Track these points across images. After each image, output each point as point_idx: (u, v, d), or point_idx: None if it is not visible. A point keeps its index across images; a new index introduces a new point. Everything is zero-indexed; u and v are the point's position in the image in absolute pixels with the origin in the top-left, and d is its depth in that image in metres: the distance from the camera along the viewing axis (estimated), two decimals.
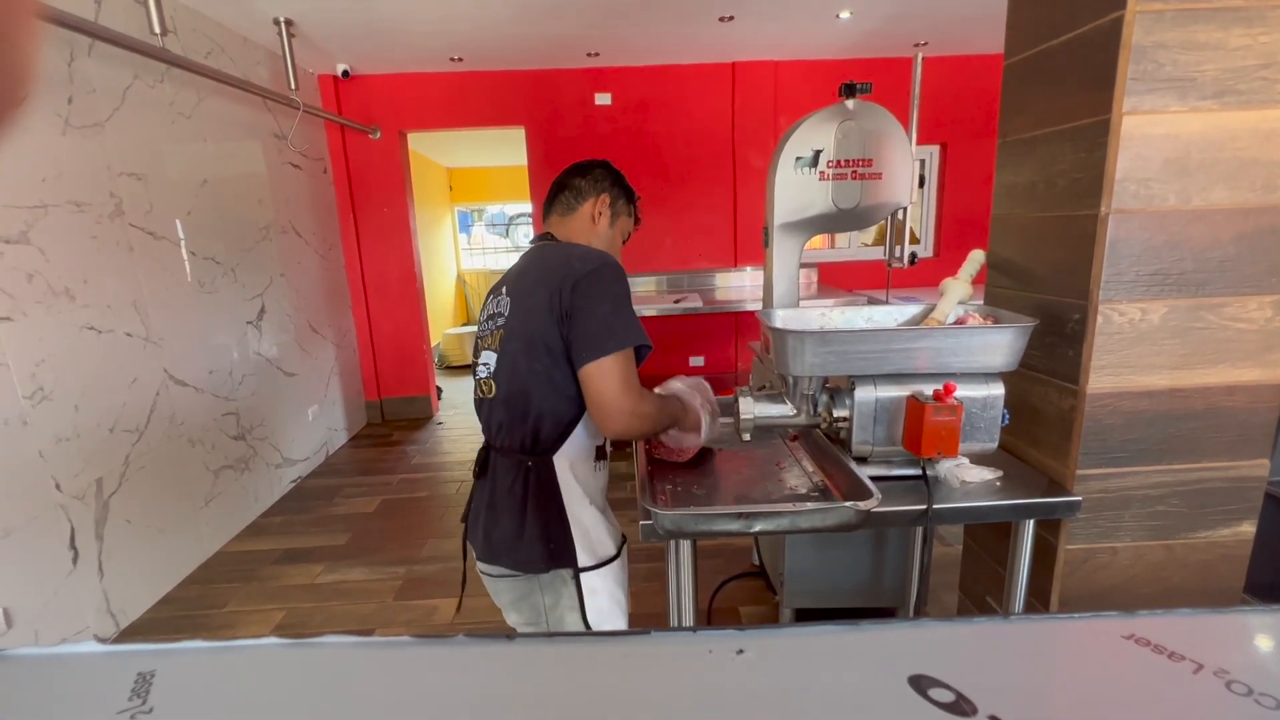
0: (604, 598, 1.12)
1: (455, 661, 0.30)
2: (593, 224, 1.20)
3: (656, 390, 1.20)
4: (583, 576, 1.10)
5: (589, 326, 1.00)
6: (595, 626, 1.11)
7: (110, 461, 2.10)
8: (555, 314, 1.02)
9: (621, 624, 1.15)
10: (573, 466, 1.10)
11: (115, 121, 2.19)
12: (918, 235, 4.42)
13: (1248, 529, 1.17)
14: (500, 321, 1.11)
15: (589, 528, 1.11)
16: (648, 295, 4.18)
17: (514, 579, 1.15)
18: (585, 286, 1.01)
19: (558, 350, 1.04)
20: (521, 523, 1.08)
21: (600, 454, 1.17)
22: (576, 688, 0.28)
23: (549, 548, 1.08)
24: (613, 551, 1.15)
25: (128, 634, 2.12)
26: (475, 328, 6.76)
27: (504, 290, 1.13)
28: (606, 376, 1.00)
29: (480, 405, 1.17)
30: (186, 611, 2.25)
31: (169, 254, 2.45)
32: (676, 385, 1.24)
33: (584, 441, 1.12)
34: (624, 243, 1.28)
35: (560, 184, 1.22)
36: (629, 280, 1.09)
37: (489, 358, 1.12)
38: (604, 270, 1.04)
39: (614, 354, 0.99)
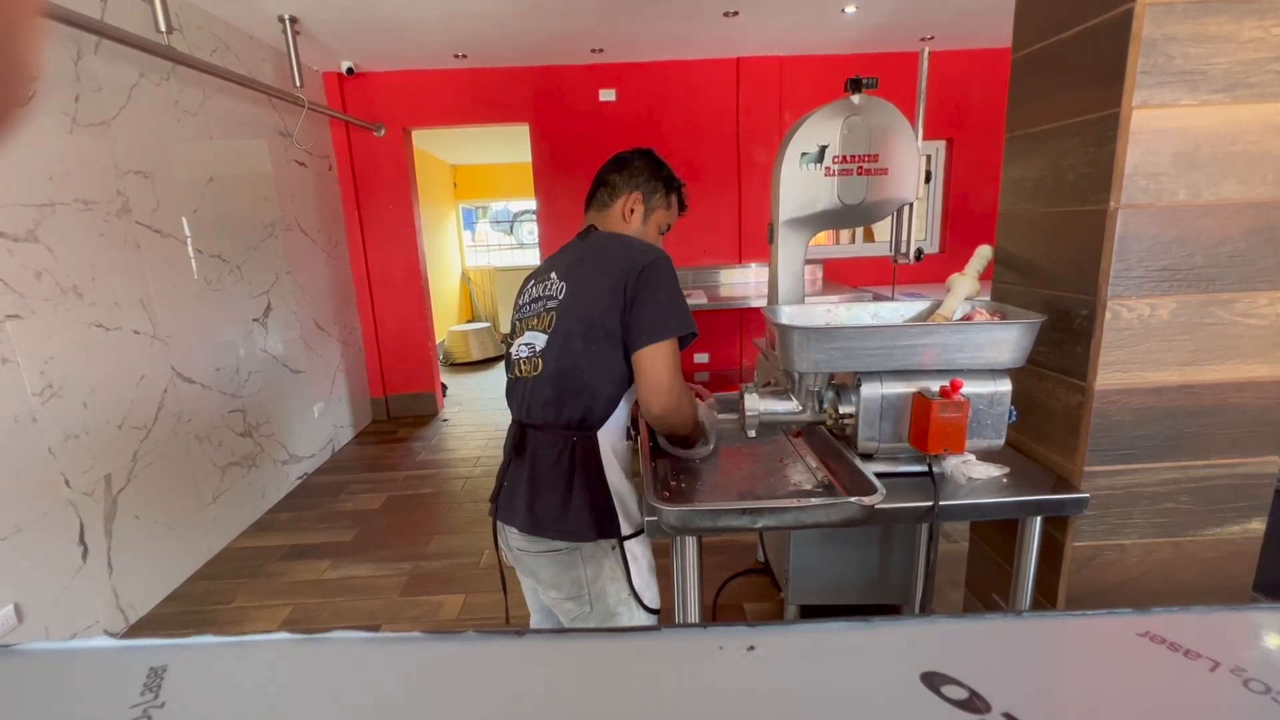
0: (644, 564, 1.20)
1: (464, 657, 0.30)
2: (624, 221, 1.25)
3: None
4: (625, 544, 1.16)
5: (649, 311, 1.08)
6: (640, 590, 1.18)
7: (119, 458, 2.11)
8: (619, 300, 1.09)
9: (657, 590, 1.23)
10: (612, 442, 1.17)
11: (122, 119, 2.20)
12: (922, 231, 4.40)
13: (1257, 526, 1.17)
14: (552, 304, 1.15)
15: (626, 498, 1.17)
16: None
17: (555, 554, 1.16)
18: (649, 275, 1.09)
19: (615, 334, 1.10)
20: (568, 495, 1.13)
21: (628, 433, 1.24)
22: (586, 683, 0.28)
23: (595, 518, 1.13)
24: (643, 520, 1.18)
25: (137, 629, 2.14)
26: (479, 325, 6.67)
27: (553, 275, 1.18)
28: (661, 358, 1.08)
29: (517, 385, 1.20)
30: (194, 607, 2.27)
31: (176, 252, 2.46)
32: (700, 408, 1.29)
33: (622, 419, 1.18)
34: (664, 233, 1.32)
35: (599, 179, 1.28)
36: None
37: (535, 338, 1.16)
38: (662, 262, 1.13)
39: (670, 339, 1.08)
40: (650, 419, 1.13)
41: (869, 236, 4.55)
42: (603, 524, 1.13)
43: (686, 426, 1.18)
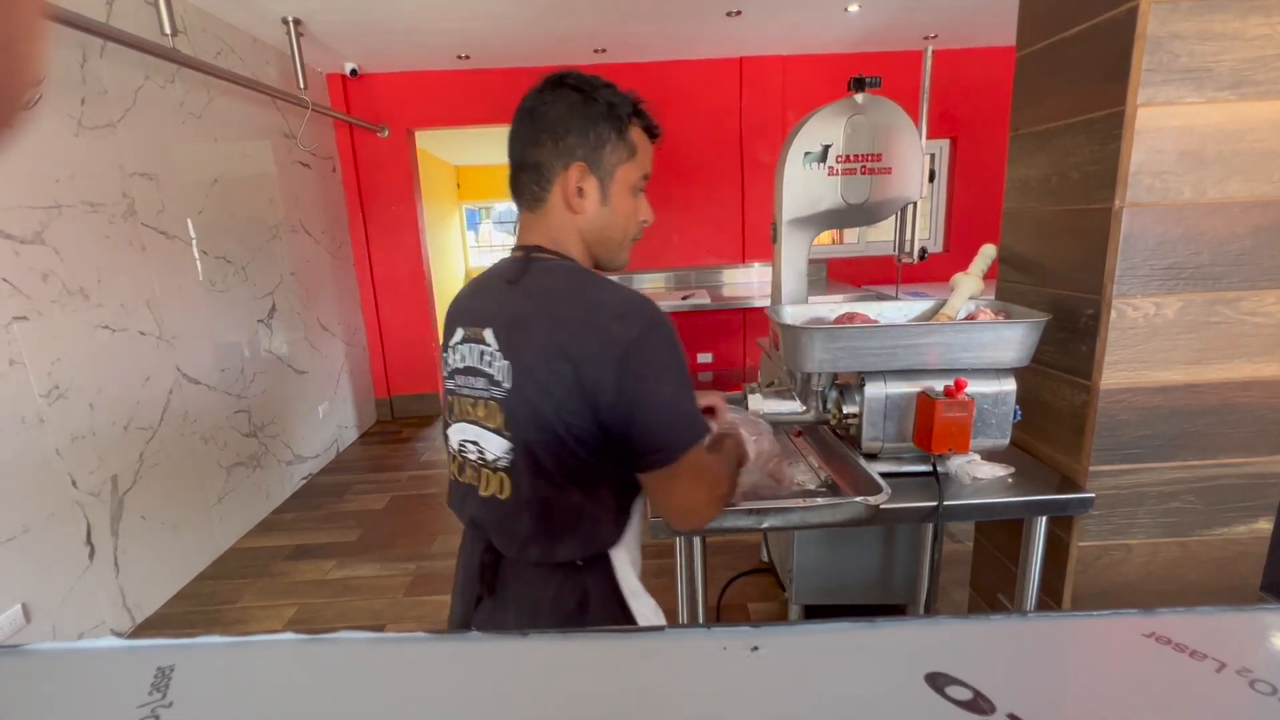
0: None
1: (470, 657, 0.30)
2: (573, 212, 0.80)
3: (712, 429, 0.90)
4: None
5: (650, 422, 0.72)
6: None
7: (125, 459, 2.12)
8: (589, 398, 0.71)
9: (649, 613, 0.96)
10: (628, 549, 0.85)
11: (127, 122, 2.21)
12: (926, 230, 4.39)
13: (1264, 525, 1.16)
14: (496, 393, 0.77)
15: (648, 616, 0.86)
16: (655, 292, 4.17)
17: None
18: (637, 365, 0.70)
19: (595, 441, 0.74)
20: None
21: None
22: (591, 684, 0.28)
23: None
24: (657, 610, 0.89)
25: (143, 629, 2.15)
26: None
27: (488, 337, 0.77)
28: (681, 479, 0.75)
29: (469, 495, 0.83)
30: (200, 607, 2.28)
31: (181, 253, 2.47)
32: (729, 420, 1.00)
33: (638, 515, 0.87)
34: (641, 190, 0.85)
35: (516, 162, 0.81)
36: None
37: (484, 439, 0.79)
38: (653, 334, 0.72)
39: (690, 452, 0.74)
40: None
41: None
42: None
43: (728, 495, 0.85)
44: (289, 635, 0.31)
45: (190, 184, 2.55)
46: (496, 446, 0.78)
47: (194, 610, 2.26)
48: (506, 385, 0.75)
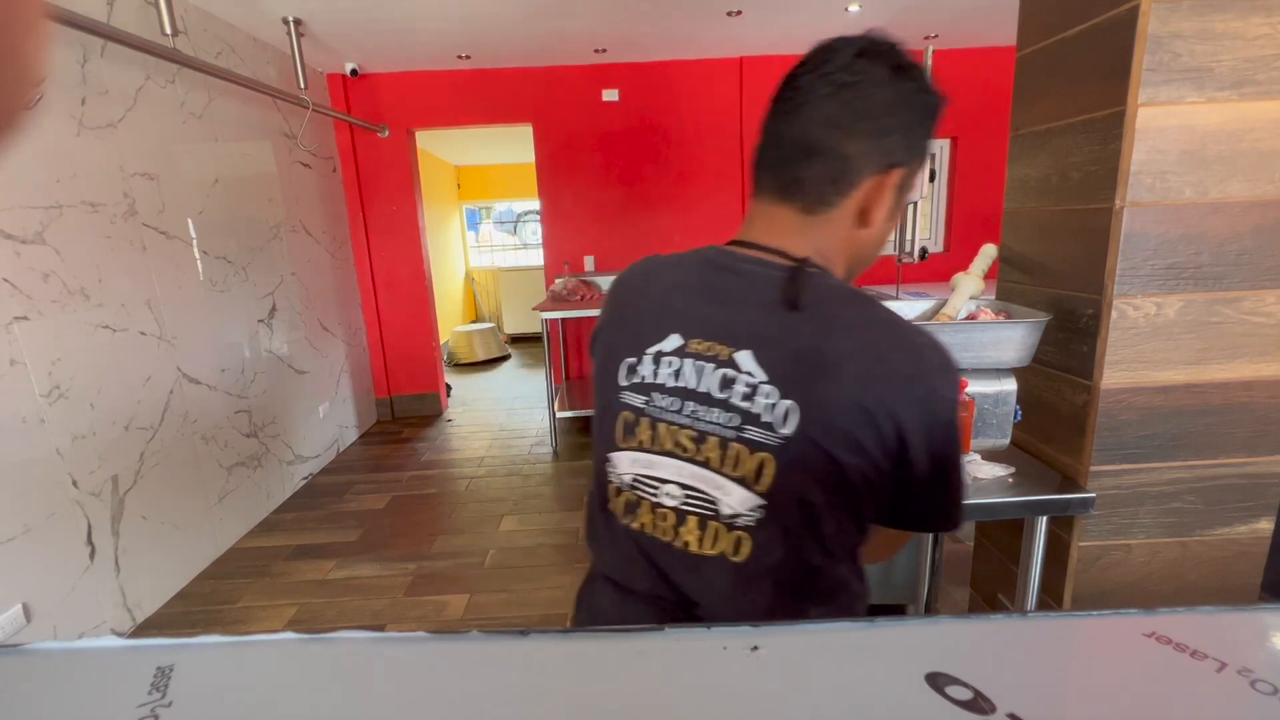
0: None
1: (469, 657, 0.30)
2: (856, 227, 0.64)
3: None
4: None
5: (950, 488, 0.63)
6: None
7: (126, 459, 2.12)
8: (900, 460, 0.59)
9: None
10: None
11: (128, 122, 2.21)
12: (926, 230, 4.39)
13: (1265, 526, 1.16)
14: (756, 435, 0.59)
15: None
16: None
17: None
18: (950, 431, 0.60)
19: (884, 503, 0.63)
20: None
21: None
22: (591, 683, 0.28)
23: None
24: None
25: (144, 629, 2.15)
26: (483, 325, 6.63)
27: (745, 363, 0.60)
28: (910, 536, 0.70)
29: (651, 550, 0.66)
30: (201, 607, 2.28)
31: (181, 253, 2.48)
32: None
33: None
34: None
35: (806, 143, 0.61)
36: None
37: (717, 486, 0.61)
38: (954, 381, 0.62)
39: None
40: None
41: None
42: None
43: None
44: (289, 635, 0.31)
45: (191, 184, 2.55)
46: (739, 500, 0.60)
47: (194, 610, 2.26)
48: (785, 431, 0.58)
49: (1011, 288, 1.33)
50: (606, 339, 0.71)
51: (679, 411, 0.63)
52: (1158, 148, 0.99)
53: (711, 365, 0.61)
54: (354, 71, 3.76)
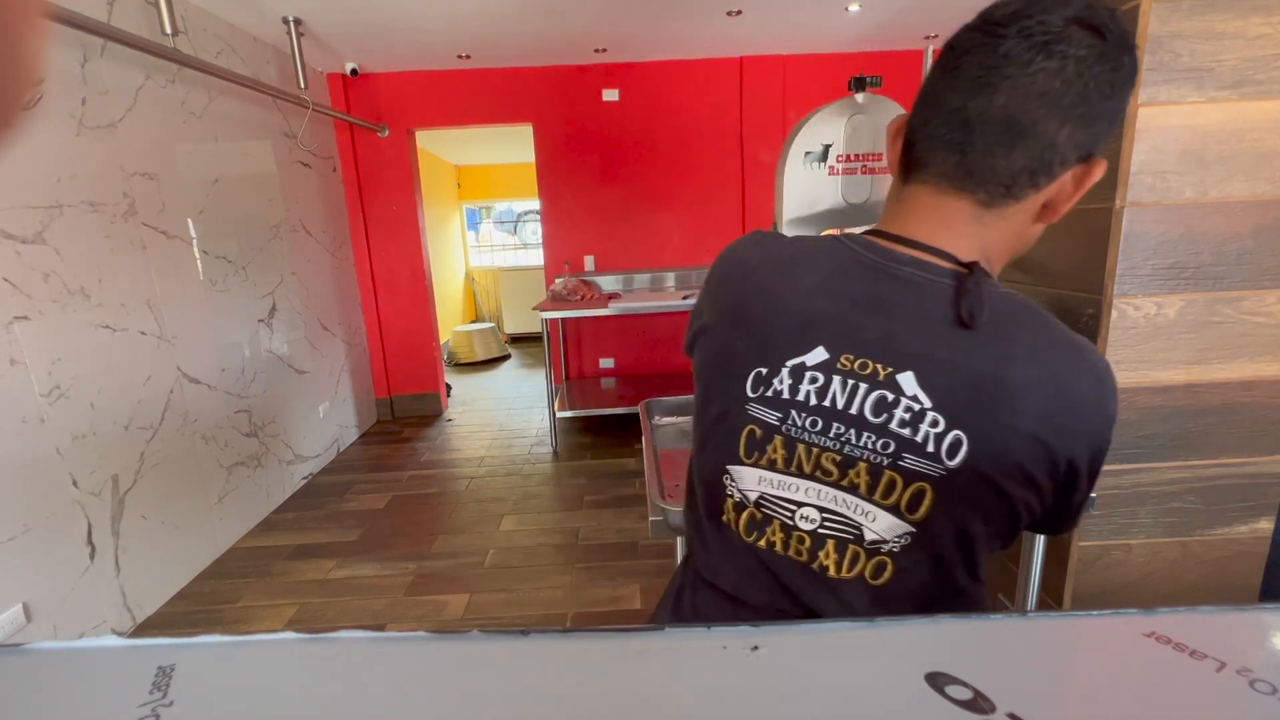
0: None
1: (470, 656, 0.30)
2: (1033, 224, 0.58)
3: None
4: None
5: (1081, 503, 0.60)
6: None
7: (126, 458, 2.12)
8: (1051, 479, 0.55)
9: None
10: None
11: (128, 122, 2.21)
12: None
13: (1265, 526, 1.16)
14: (915, 463, 0.54)
15: None
16: (655, 292, 4.17)
17: None
18: (1108, 443, 0.57)
19: (1022, 523, 0.58)
20: None
21: None
22: (590, 683, 0.28)
23: None
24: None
25: (144, 628, 2.15)
26: (483, 325, 6.64)
27: (908, 386, 0.54)
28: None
29: (777, 567, 0.61)
30: (201, 606, 2.28)
31: (181, 253, 2.48)
32: None
33: None
34: None
35: (1008, 122, 0.51)
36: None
37: (862, 513, 0.57)
38: (1117, 403, 0.58)
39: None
40: None
41: None
42: None
43: None
44: (290, 634, 0.31)
45: (191, 184, 2.55)
46: (886, 527, 0.56)
47: (195, 610, 2.26)
48: (951, 463, 0.52)
49: (1011, 287, 1.33)
50: (724, 337, 0.62)
51: (823, 433, 0.56)
52: (1158, 147, 0.99)
53: (866, 385, 0.55)
54: (354, 71, 3.76)
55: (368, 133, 3.98)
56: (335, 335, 3.80)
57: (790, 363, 0.57)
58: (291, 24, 2.95)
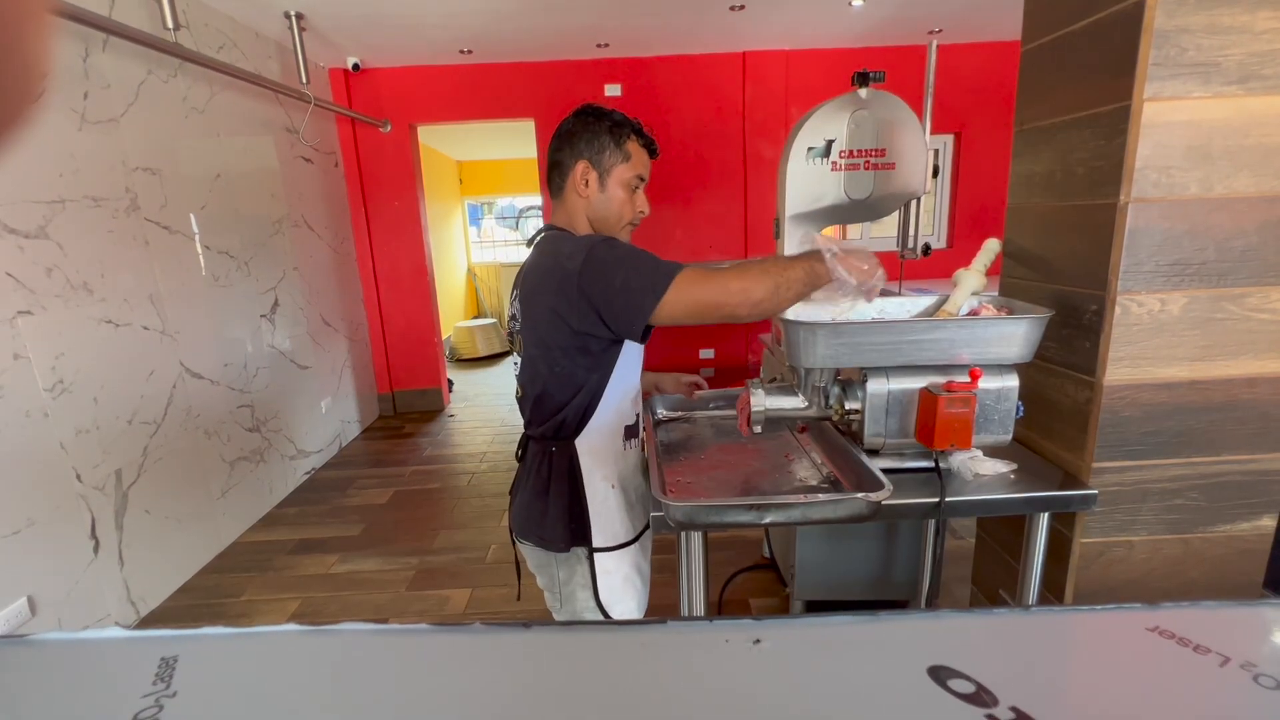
0: (617, 578, 1.17)
1: (472, 649, 0.30)
2: (581, 198, 1.11)
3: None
4: (596, 557, 1.14)
5: (621, 302, 0.96)
6: (606, 604, 1.16)
7: (129, 453, 2.13)
8: (562, 318, 1.01)
9: (633, 604, 1.19)
10: (593, 450, 1.13)
11: (130, 117, 2.21)
12: (929, 226, 4.37)
13: (1268, 523, 1.16)
14: (516, 327, 1.13)
15: (607, 511, 1.14)
16: None
17: (536, 549, 1.20)
18: (590, 277, 0.97)
19: (572, 347, 1.04)
20: (545, 504, 1.14)
21: (630, 433, 1.18)
22: (593, 676, 0.28)
23: (570, 528, 1.13)
24: (628, 536, 1.17)
25: (147, 622, 2.16)
26: (485, 321, 6.70)
27: (516, 292, 1.13)
28: (677, 305, 0.96)
29: (518, 399, 1.21)
30: (204, 600, 2.29)
31: (184, 248, 2.48)
32: (819, 240, 1.06)
33: (607, 422, 1.13)
34: (638, 189, 1.14)
35: (550, 163, 1.16)
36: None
37: (517, 359, 1.16)
38: (593, 251, 0.98)
39: (662, 296, 0.95)
40: (757, 320, 1.03)
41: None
42: (575, 534, 1.13)
43: (769, 291, 0.98)
44: (291, 626, 0.31)
45: (193, 179, 2.55)
46: (520, 362, 1.17)
47: (198, 604, 2.27)
48: (520, 319, 1.12)
49: (1015, 283, 1.32)
50: None
51: (512, 326, 1.17)
52: (1163, 143, 0.98)
53: (514, 301, 1.17)
54: (356, 66, 3.75)
55: (369, 128, 3.98)
56: (337, 330, 3.80)
57: (512, 298, 1.18)
58: (293, 18, 2.94)
